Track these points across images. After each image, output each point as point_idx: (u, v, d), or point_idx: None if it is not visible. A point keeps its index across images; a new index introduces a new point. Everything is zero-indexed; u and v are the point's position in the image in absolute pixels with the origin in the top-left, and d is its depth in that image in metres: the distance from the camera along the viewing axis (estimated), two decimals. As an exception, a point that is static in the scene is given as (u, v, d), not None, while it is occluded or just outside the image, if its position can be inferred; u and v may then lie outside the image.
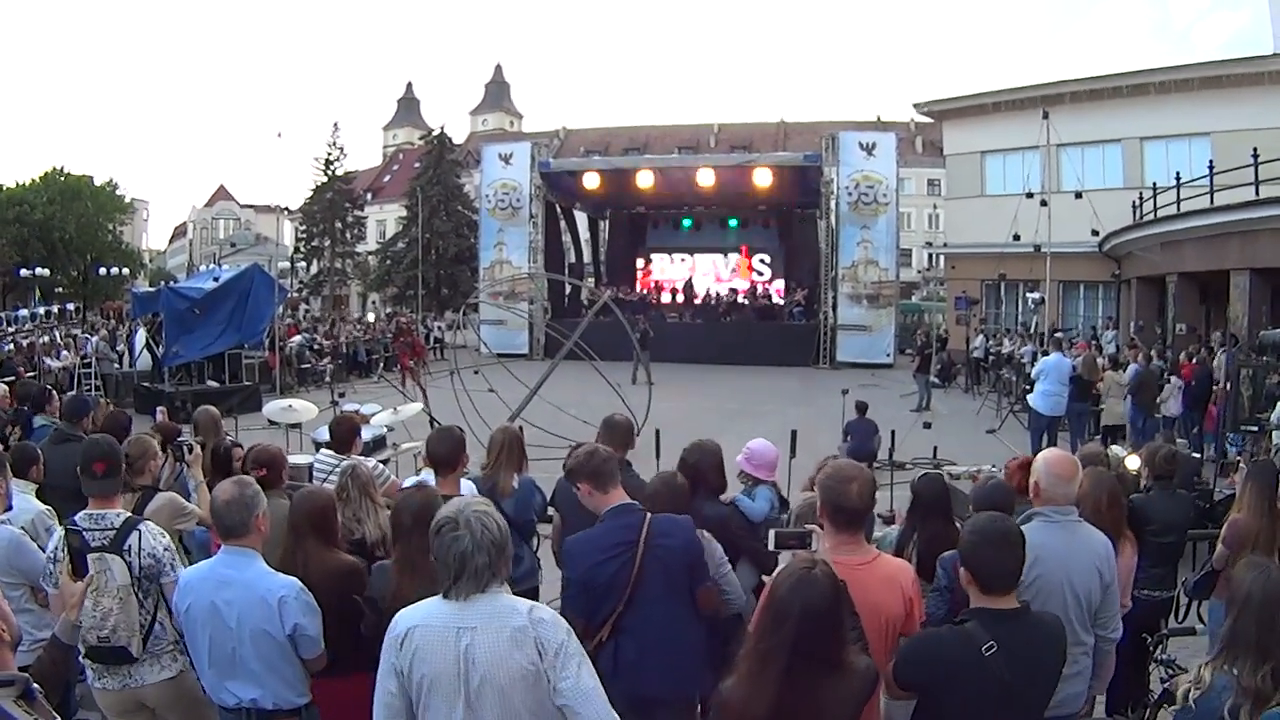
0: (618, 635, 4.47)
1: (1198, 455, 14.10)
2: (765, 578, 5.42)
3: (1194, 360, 18.74)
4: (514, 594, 3.76)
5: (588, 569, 4.50)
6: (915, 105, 39.91)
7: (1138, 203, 28.47)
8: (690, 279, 42.89)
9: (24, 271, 50.76)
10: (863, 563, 4.05)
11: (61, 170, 66.00)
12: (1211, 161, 23.90)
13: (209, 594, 4.19)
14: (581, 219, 46.85)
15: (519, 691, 3.28)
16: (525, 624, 3.31)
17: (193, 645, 4.37)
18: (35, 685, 2.98)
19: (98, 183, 69.08)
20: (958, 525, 5.36)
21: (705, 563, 4.68)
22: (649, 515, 4.59)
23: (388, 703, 3.39)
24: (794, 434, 11.17)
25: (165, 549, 4.70)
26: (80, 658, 4.63)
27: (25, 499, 5.76)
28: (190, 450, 6.61)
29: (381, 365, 34.26)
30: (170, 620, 4.61)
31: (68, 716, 5.44)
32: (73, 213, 62.34)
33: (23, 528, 5.38)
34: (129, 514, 4.82)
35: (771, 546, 4.10)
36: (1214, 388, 17.23)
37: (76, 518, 4.67)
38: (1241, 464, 8.38)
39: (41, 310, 43.47)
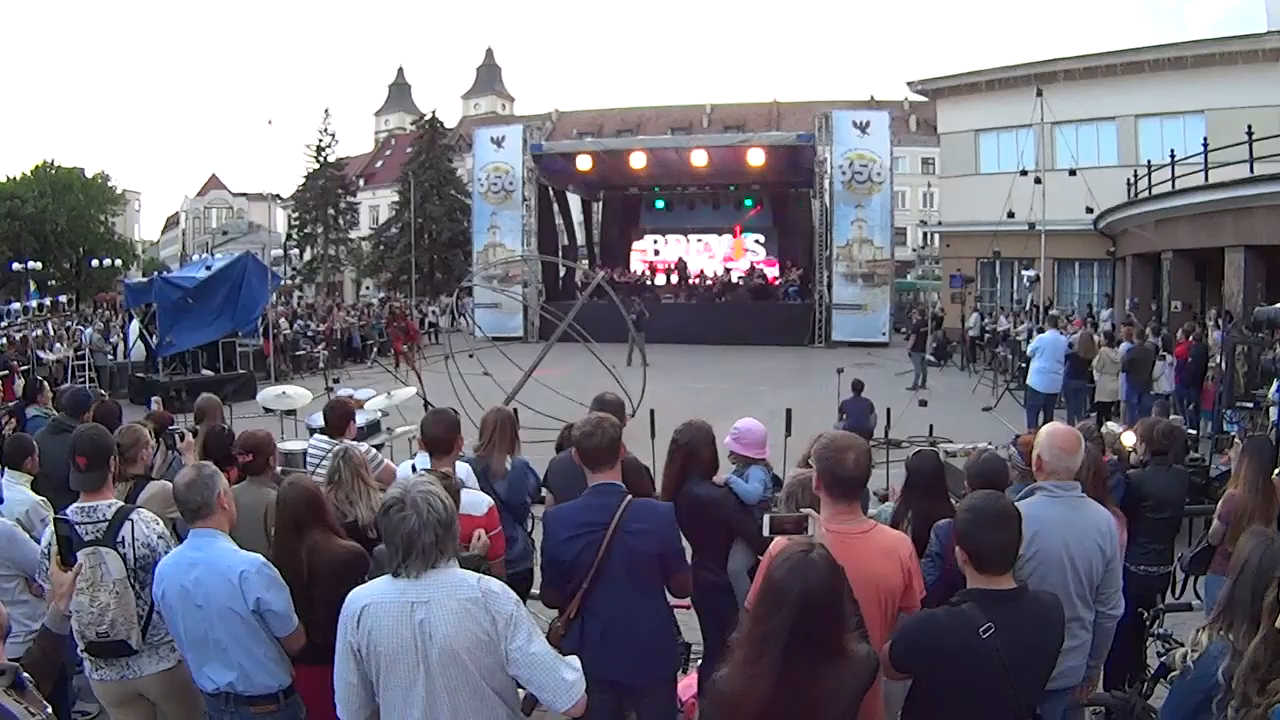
0: (584, 614, 4.51)
1: (1193, 431, 14.12)
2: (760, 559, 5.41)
3: (1189, 337, 18.74)
4: (508, 575, 3.76)
5: (556, 544, 4.53)
6: (909, 84, 39.73)
7: (1132, 180, 28.42)
8: (682, 259, 42.85)
9: (16, 265, 50.61)
10: (859, 532, 4.03)
11: (52, 163, 65.57)
12: (1206, 139, 23.88)
13: (179, 577, 4.18)
14: (574, 201, 46.69)
15: (477, 660, 3.40)
16: (477, 595, 3.41)
17: (172, 630, 4.37)
18: (25, 675, 2.98)
19: (89, 175, 68.43)
20: (953, 502, 5.36)
21: (680, 552, 4.68)
22: (628, 499, 4.55)
23: (348, 684, 3.51)
24: (789, 413, 11.18)
25: (160, 537, 4.66)
26: (79, 651, 4.61)
27: (20, 490, 5.75)
28: (182, 438, 6.57)
29: (376, 350, 34.13)
30: None
31: (65, 707, 5.43)
32: (64, 205, 61.80)
33: (17, 520, 5.37)
34: (121, 503, 4.76)
35: (766, 532, 4.06)
36: (1209, 365, 17.26)
37: (68, 511, 4.61)
38: (1237, 440, 8.37)
39: (34, 303, 43.38)
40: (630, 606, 4.48)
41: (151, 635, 4.62)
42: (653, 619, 4.60)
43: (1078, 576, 4.35)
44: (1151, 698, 5.06)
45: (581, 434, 4.69)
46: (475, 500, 5.14)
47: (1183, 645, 3.80)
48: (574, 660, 3.63)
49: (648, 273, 42.90)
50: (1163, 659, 4.82)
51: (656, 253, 44.87)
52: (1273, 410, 12.48)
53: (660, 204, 44.22)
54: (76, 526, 4.53)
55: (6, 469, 5.94)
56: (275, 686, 4.30)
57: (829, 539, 3.56)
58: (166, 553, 4.56)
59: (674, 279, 41.62)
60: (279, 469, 6.19)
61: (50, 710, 3.01)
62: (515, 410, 8.45)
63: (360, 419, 9.03)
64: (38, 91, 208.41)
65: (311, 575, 4.42)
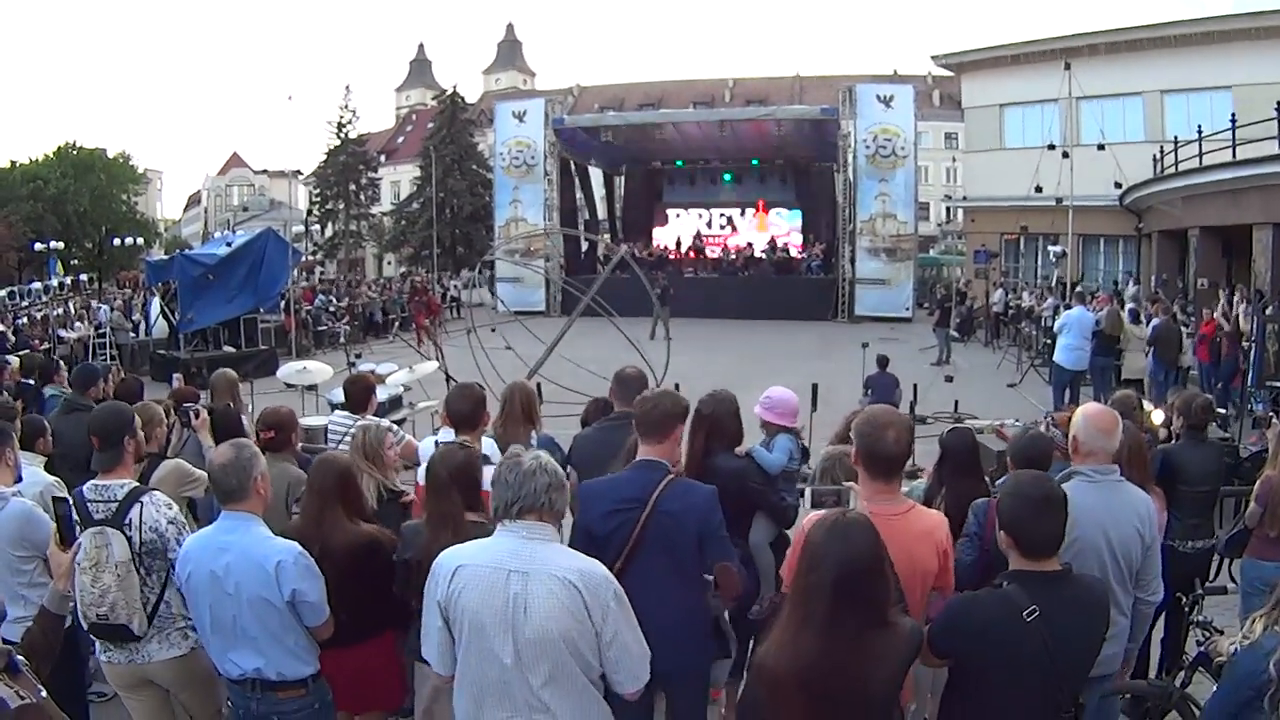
0: None
1: (1222, 410, 13.97)
2: (788, 532, 5.30)
3: (1215, 315, 18.52)
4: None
5: (593, 517, 4.38)
6: (933, 58, 39.48)
7: (1159, 156, 28.16)
8: (699, 232, 43.13)
9: (39, 245, 50.70)
10: (898, 513, 3.90)
11: (74, 144, 66.12)
12: (1233, 115, 23.55)
13: (208, 562, 4.04)
14: (596, 175, 46.63)
15: (571, 643, 3.34)
16: (576, 577, 3.36)
17: (195, 615, 4.24)
18: (20, 657, 2.91)
19: (111, 155, 68.97)
20: (985, 482, 5.23)
21: (722, 538, 4.46)
22: (669, 478, 4.39)
23: (439, 639, 3.54)
24: (815, 387, 11.11)
25: (170, 522, 4.52)
26: (86, 631, 4.54)
27: (34, 471, 5.61)
28: (197, 415, 6.48)
29: (397, 325, 34.07)
30: (180, 597, 4.45)
31: (81, 688, 5.39)
32: (86, 185, 62.50)
33: (32, 500, 5.30)
34: (134, 484, 4.66)
35: (808, 507, 3.98)
36: (1242, 343, 17.07)
37: (84, 489, 4.53)
38: (1275, 419, 8.23)
39: (56, 282, 43.45)
40: (664, 590, 4.28)
41: (159, 622, 4.51)
42: (687, 604, 4.41)
43: (1117, 563, 4.20)
44: (1189, 686, 4.94)
45: (641, 401, 4.61)
46: None
47: (1222, 633, 3.69)
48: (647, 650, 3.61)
49: (671, 246, 42.84)
50: (1202, 647, 4.67)
51: (680, 227, 44.72)
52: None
53: (683, 178, 44.02)
54: (89, 504, 4.45)
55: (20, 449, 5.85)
56: (304, 673, 4.20)
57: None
58: (178, 539, 4.46)
59: (692, 254, 41.56)
60: (299, 445, 6.12)
61: (45, 694, 2.92)
62: (539, 385, 8.34)
63: (382, 394, 8.96)
64: (60, 73, 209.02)
65: (324, 552, 4.28)
